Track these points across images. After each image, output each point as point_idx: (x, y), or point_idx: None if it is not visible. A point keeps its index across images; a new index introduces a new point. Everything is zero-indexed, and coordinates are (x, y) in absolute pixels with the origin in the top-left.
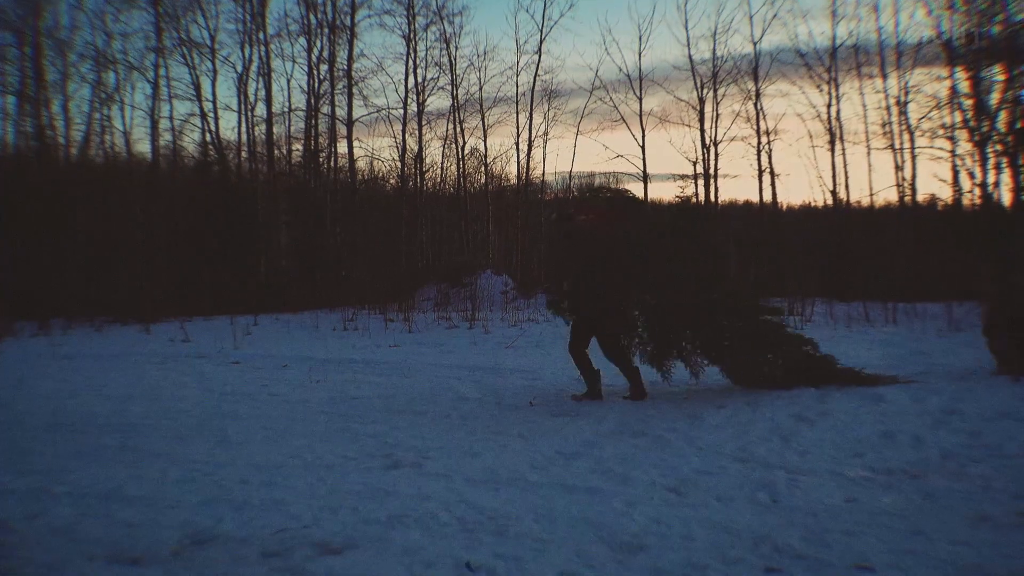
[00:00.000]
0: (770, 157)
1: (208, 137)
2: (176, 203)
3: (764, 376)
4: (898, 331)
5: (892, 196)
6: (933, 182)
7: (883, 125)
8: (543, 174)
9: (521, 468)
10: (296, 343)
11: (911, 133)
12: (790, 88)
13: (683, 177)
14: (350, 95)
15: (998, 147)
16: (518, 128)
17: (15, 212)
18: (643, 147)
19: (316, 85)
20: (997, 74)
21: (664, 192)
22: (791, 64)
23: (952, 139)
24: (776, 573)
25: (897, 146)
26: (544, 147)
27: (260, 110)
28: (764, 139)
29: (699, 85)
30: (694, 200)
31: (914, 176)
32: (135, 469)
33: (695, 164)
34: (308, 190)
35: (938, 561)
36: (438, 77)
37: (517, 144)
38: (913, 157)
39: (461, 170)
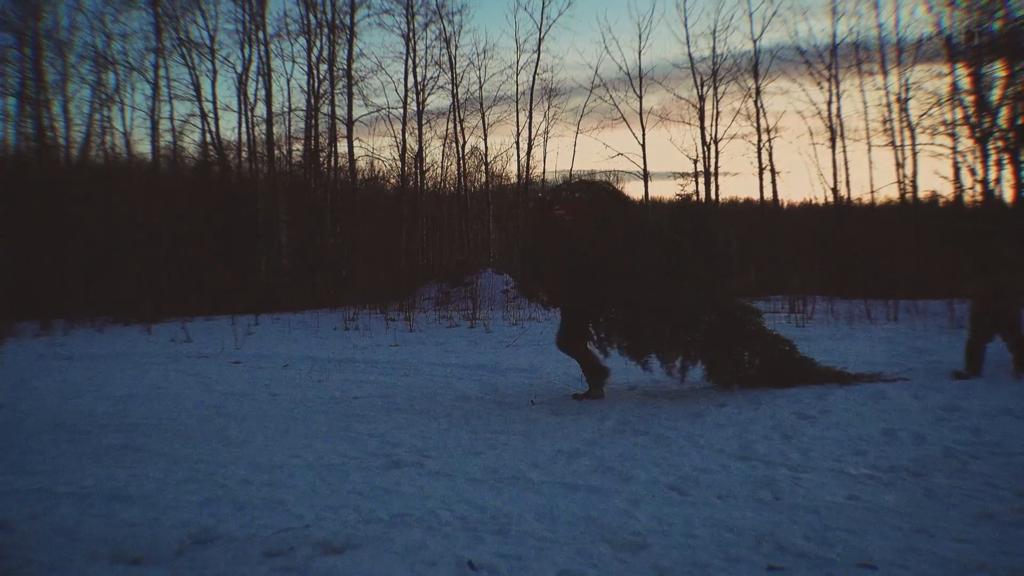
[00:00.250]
0: (771, 155)
1: (208, 137)
2: (177, 203)
3: (741, 375)
4: (900, 328)
5: (893, 193)
6: (934, 179)
7: (884, 122)
8: (543, 173)
9: (523, 467)
10: (297, 343)
11: (912, 130)
12: (790, 85)
13: (684, 175)
14: (350, 95)
15: (999, 143)
16: (518, 127)
17: (16, 213)
18: (643, 145)
19: (316, 85)
20: (998, 70)
21: (665, 190)
22: (791, 61)
23: (953, 136)
24: (778, 571)
25: (898, 143)
26: (544, 146)
27: (260, 110)
28: (764, 137)
29: (699, 83)
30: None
31: (915, 173)
32: (137, 469)
33: (695, 162)
34: (308, 190)
35: (940, 559)
36: (438, 76)
37: (517, 143)
38: (914, 154)
39: (461, 169)
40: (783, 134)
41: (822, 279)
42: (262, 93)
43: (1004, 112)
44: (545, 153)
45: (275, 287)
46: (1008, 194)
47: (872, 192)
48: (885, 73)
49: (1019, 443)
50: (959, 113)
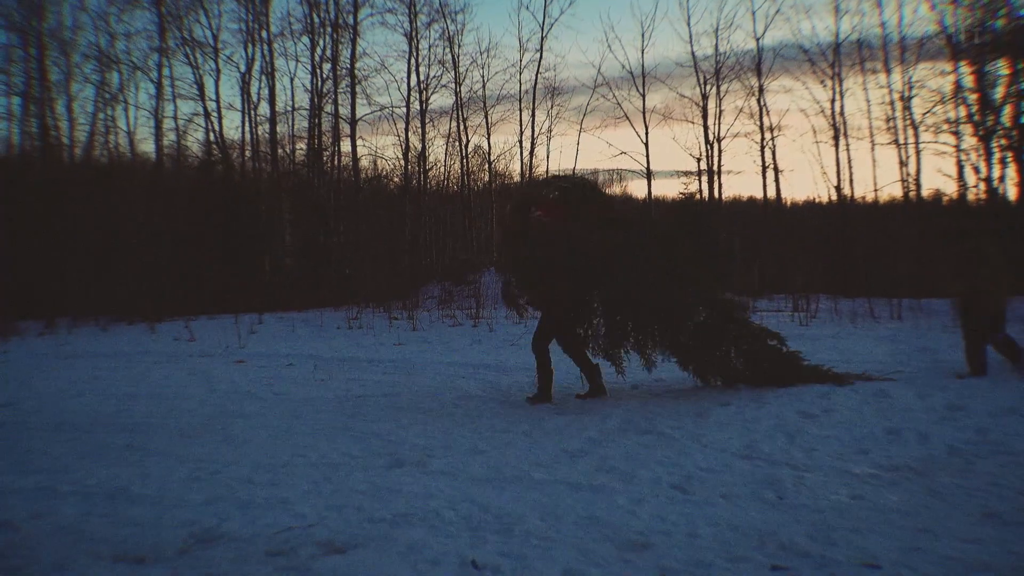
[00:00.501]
0: (774, 153)
1: (212, 137)
2: (180, 202)
3: (725, 371)
4: (903, 327)
5: (897, 191)
6: (938, 177)
7: (887, 120)
8: (547, 171)
9: (526, 466)
10: (301, 342)
11: (915, 128)
12: (793, 84)
13: (687, 174)
14: (353, 94)
15: (1003, 141)
16: (521, 125)
17: (21, 212)
18: (646, 144)
19: (319, 84)
20: (1002, 68)
21: (668, 189)
22: (794, 59)
23: (957, 134)
24: (782, 571)
25: (901, 141)
26: (547, 144)
27: (264, 109)
28: (768, 135)
29: (702, 81)
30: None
31: (918, 171)
32: (140, 468)
33: (699, 160)
34: (312, 189)
35: (945, 558)
36: (441, 75)
37: (520, 142)
38: (917, 152)
39: (465, 168)
40: (786, 132)
41: (826, 278)
42: (265, 92)
43: (1007, 110)
44: (548, 152)
45: (279, 286)
46: (1012, 192)
47: (875, 190)
48: (888, 71)
49: None
50: (962, 111)
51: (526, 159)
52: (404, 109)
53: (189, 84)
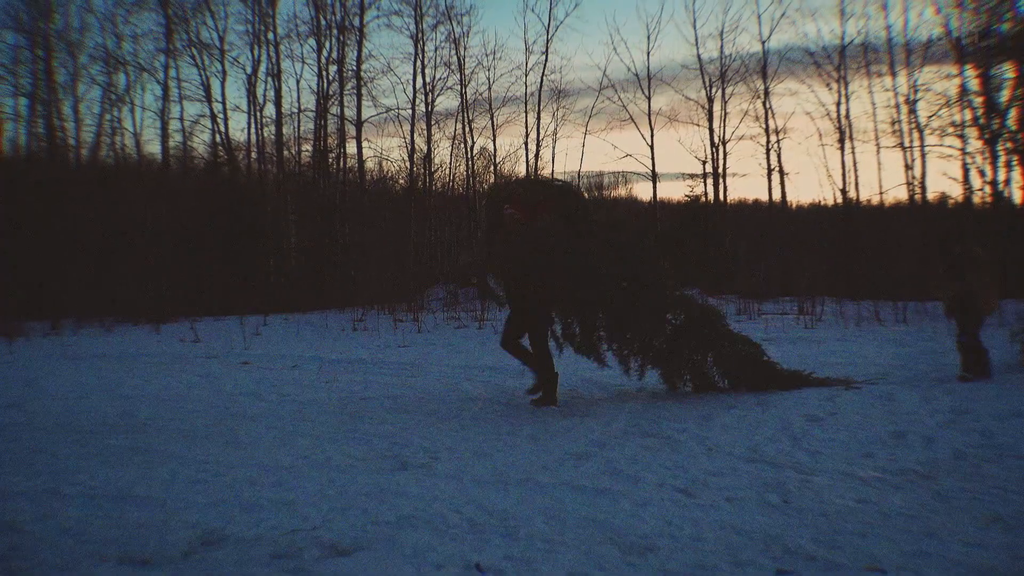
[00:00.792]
0: (779, 156)
1: (218, 138)
2: (186, 204)
3: (699, 377)
4: (909, 330)
5: (902, 194)
6: (943, 180)
7: (892, 123)
8: (552, 174)
9: (531, 469)
10: (306, 343)
11: (921, 131)
12: (799, 86)
13: (692, 176)
14: (359, 96)
15: (1008, 145)
16: (527, 128)
17: (27, 213)
18: (652, 146)
19: (325, 86)
20: (1007, 71)
21: (674, 191)
22: (800, 62)
23: (962, 137)
24: (787, 575)
25: (907, 144)
26: (553, 147)
27: (269, 111)
28: (773, 138)
29: (708, 84)
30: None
31: (924, 174)
32: (145, 470)
33: (704, 163)
34: (317, 191)
35: (950, 562)
36: (447, 77)
37: (526, 144)
38: (923, 155)
39: (470, 170)
40: (792, 135)
41: (831, 280)
42: (271, 94)
43: (1013, 113)
44: (554, 154)
45: (284, 287)
46: (1017, 196)
47: (881, 193)
48: (894, 74)
49: None
50: (968, 114)
51: (531, 161)
52: (410, 111)
53: (195, 86)
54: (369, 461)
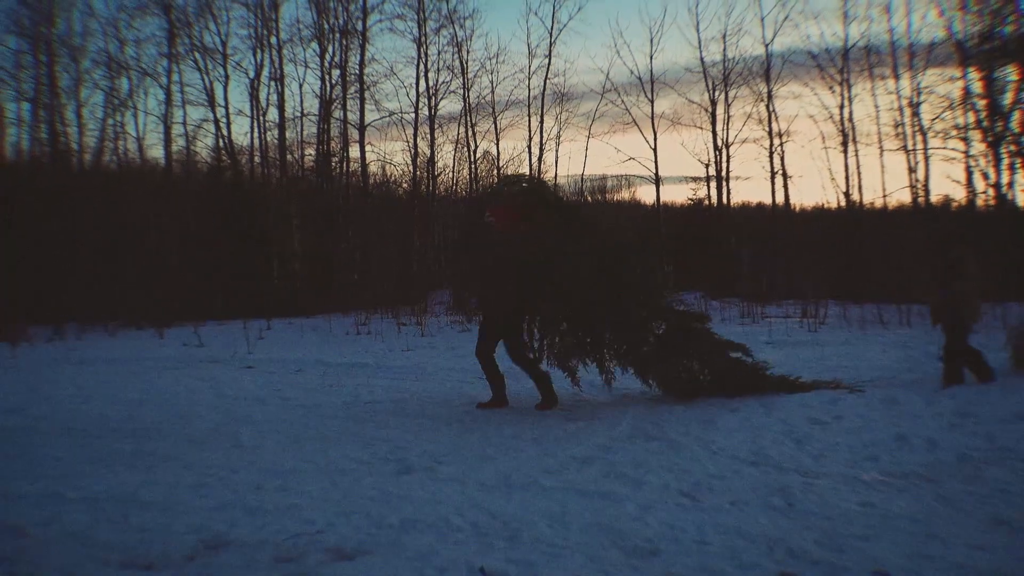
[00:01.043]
0: (782, 159)
1: (221, 142)
2: (189, 208)
3: (690, 385)
4: (913, 334)
5: (905, 197)
6: (947, 183)
7: (896, 126)
8: (555, 177)
9: (534, 473)
10: (309, 347)
11: (924, 134)
12: (802, 90)
13: (695, 179)
14: (362, 99)
15: (1012, 147)
16: (530, 131)
17: (30, 217)
18: (655, 149)
19: (328, 90)
20: (1010, 74)
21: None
22: (803, 65)
23: (965, 140)
24: None
25: (910, 147)
26: (556, 150)
27: (272, 115)
28: (776, 141)
29: (711, 87)
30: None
31: (927, 177)
32: (149, 474)
33: (707, 166)
34: (320, 194)
35: (954, 565)
36: (450, 81)
37: (529, 147)
38: (926, 158)
39: (473, 174)
40: (795, 138)
41: (835, 284)
42: (274, 98)
43: (1017, 116)
44: (557, 157)
45: (287, 291)
46: (1021, 199)
47: (884, 196)
48: (897, 77)
49: None
50: (971, 117)
51: (535, 165)
52: (413, 115)
53: (198, 90)
54: (373, 465)
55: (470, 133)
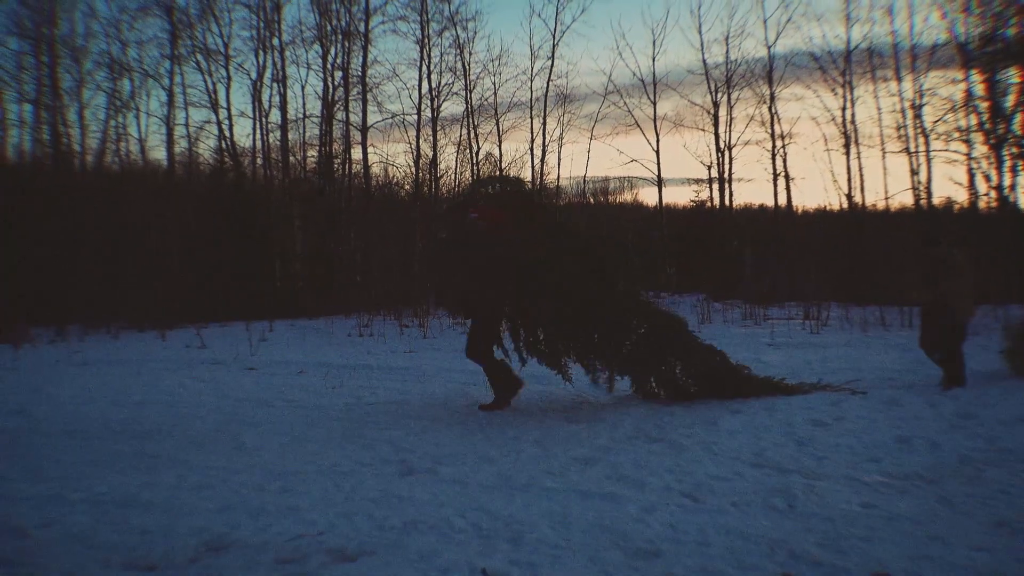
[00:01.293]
0: (785, 161)
1: (223, 144)
2: (191, 210)
3: (669, 386)
4: (915, 335)
5: (908, 199)
6: (949, 185)
7: (898, 128)
8: (558, 179)
9: (536, 474)
10: (311, 349)
11: (926, 136)
12: (804, 92)
13: (698, 181)
14: (364, 101)
15: (1014, 150)
16: (532, 133)
17: (32, 219)
18: (657, 151)
19: (331, 91)
20: (1013, 76)
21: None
22: (805, 68)
23: (968, 142)
24: None
25: (912, 149)
26: (559, 152)
27: (275, 116)
28: (779, 143)
29: (713, 89)
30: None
31: (929, 179)
32: (151, 476)
33: (710, 168)
34: (323, 196)
35: (955, 567)
36: (452, 83)
37: (532, 149)
38: (928, 160)
39: (476, 175)
40: (797, 140)
41: (837, 285)
42: (277, 100)
43: (1019, 118)
44: (559, 159)
45: (289, 293)
46: (1023, 201)
47: (886, 198)
48: (899, 79)
49: None
50: (973, 119)
51: (537, 166)
52: (415, 116)
53: (200, 91)
54: (375, 466)
55: (472, 135)
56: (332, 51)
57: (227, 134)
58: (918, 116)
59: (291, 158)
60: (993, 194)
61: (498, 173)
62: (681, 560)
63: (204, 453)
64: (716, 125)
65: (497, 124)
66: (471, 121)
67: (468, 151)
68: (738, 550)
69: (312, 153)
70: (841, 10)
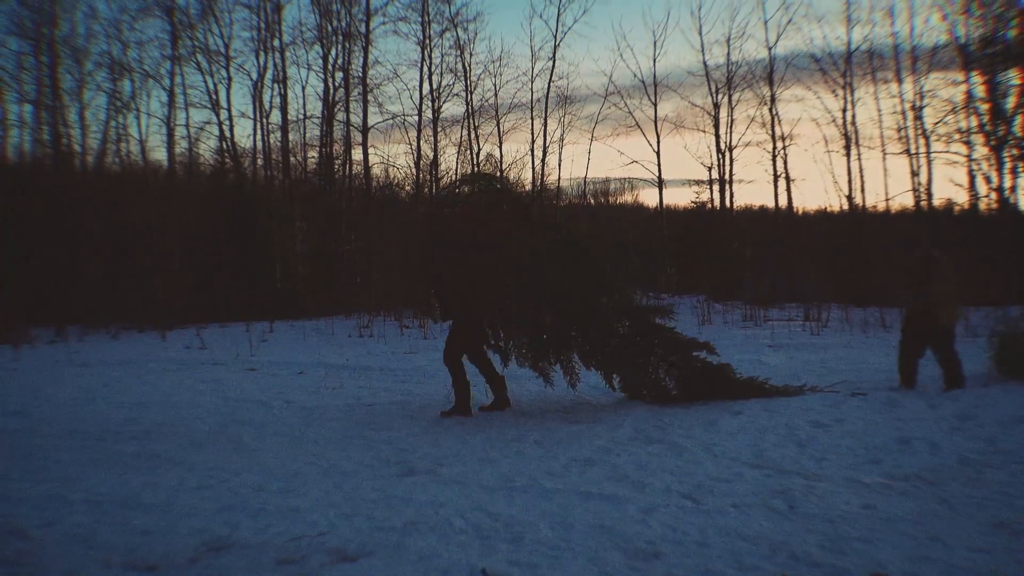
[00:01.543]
0: (785, 162)
1: (224, 144)
2: (192, 210)
3: (653, 388)
4: None
5: (908, 201)
6: (949, 187)
7: (898, 130)
8: (558, 180)
9: (537, 475)
10: (312, 349)
11: (927, 137)
12: (805, 93)
13: (698, 182)
14: (365, 102)
15: (1014, 151)
16: (533, 134)
17: (32, 219)
18: (658, 153)
19: (331, 92)
20: (1013, 78)
21: (680, 197)
22: (806, 69)
23: (968, 143)
24: None
25: (913, 151)
26: (559, 153)
27: (275, 117)
28: (779, 144)
29: (714, 90)
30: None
31: (930, 181)
32: (151, 476)
33: (710, 169)
34: (323, 197)
35: (955, 568)
36: (453, 84)
37: (532, 150)
38: (929, 162)
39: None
40: (798, 142)
41: (837, 287)
42: (277, 100)
43: (1019, 120)
44: (560, 160)
45: (290, 294)
46: (1023, 202)
47: (887, 200)
48: (900, 81)
49: None
50: (974, 121)
51: (538, 167)
52: (416, 117)
53: (201, 92)
54: (375, 467)
55: (473, 136)
56: (333, 52)
57: (228, 135)
58: (919, 118)
59: (292, 159)
60: (993, 196)
61: (476, 171)
62: (681, 561)
63: (204, 453)
64: (717, 126)
65: (498, 125)
66: (472, 122)
67: (469, 152)
68: (738, 551)
69: (313, 154)
70: (842, 12)
